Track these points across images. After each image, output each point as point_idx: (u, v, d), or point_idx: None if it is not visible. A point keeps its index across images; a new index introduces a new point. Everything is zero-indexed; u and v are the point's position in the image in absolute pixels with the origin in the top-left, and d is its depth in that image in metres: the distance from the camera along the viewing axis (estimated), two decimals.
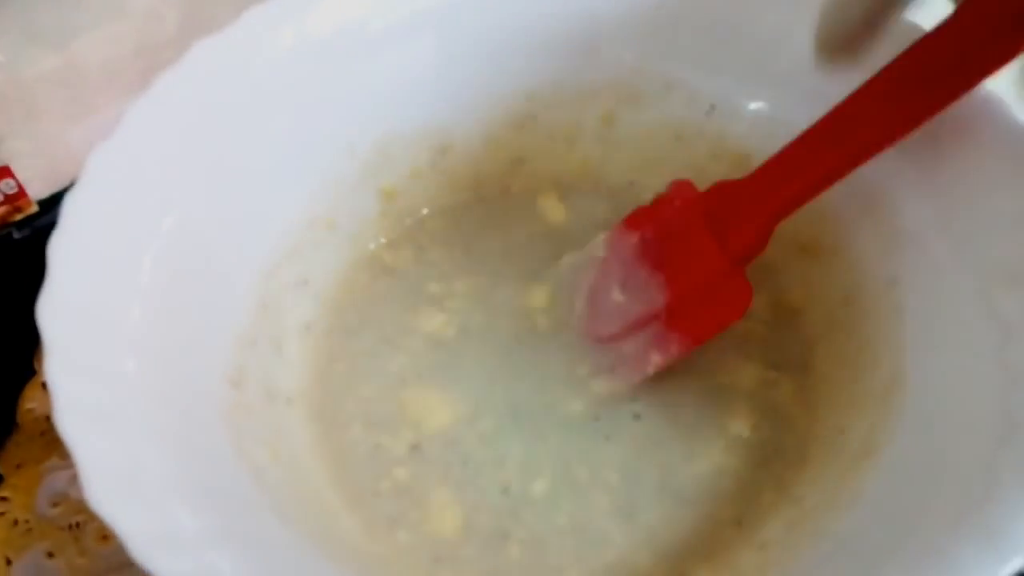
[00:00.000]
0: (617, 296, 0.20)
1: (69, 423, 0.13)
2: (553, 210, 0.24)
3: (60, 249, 0.15)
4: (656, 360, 0.19)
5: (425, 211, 0.24)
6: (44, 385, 0.23)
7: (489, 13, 0.22)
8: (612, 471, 0.19)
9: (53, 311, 0.14)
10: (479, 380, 0.21)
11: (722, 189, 0.19)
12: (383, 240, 0.24)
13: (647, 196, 0.21)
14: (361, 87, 0.22)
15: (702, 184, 0.20)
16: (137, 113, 0.18)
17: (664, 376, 0.20)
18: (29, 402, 0.23)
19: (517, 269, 0.23)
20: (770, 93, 0.22)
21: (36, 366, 0.24)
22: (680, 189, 0.20)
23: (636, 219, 0.21)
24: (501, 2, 0.22)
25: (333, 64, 0.21)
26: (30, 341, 0.24)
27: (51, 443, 0.22)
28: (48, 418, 0.23)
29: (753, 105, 0.22)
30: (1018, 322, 0.15)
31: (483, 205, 0.24)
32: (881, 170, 0.18)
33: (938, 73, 0.16)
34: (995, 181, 0.16)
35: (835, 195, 0.18)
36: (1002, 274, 0.16)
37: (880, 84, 0.17)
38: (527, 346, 0.21)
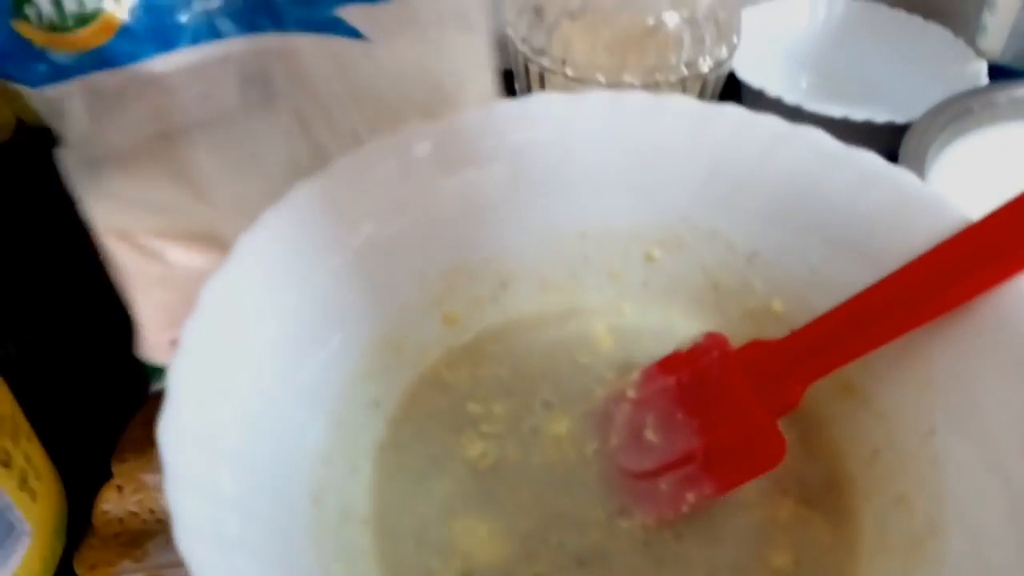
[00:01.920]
0: (651, 436, 0.22)
1: (185, 542, 0.15)
2: (603, 341, 0.26)
3: (178, 373, 0.17)
4: (691, 499, 0.21)
5: (485, 329, 0.26)
6: (120, 488, 0.25)
7: (557, 152, 0.25)
8: None
9: (171, 434, 0.16)
10: (522, 514, 0.22)
11: (761, 347, 0.21)
12: (443, 357, 0.25)
13: (684, 339, 0.23)
14: (431, 222, 0.24)
15: (736, 333, 0.22)
16: (244, 245, 0.20)
17: (702, 511, 0.21)
18: (105, 504, 0.24)
19: (555, 395, 0.24)
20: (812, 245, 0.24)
21: (113, 469, 0.25)
22: (715, 341, 0.22)
23: (671, 364, 0.22)
24: (568, 142, 0.25)
25: (409, 199, 0.23)
26: (108, 444, 0.26)
27: (125, 545, 0.23)
28: (122, 520, 0.24)
29: (793, 257, 0.24)
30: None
31: (537, 330, 0.26)
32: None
33: (976, 264, 0.18)
34: (1006, 346, 0.18)
35: None
36: (1008, 438, 0.17)
37: (920, 268, 0.19)
38: (560, 478, 0.22)
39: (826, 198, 0.23)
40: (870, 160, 0.22)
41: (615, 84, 0.30)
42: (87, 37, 0.20)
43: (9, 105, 0.35)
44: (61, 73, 0.21)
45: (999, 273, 0.19)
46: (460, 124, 0.24)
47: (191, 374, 0.17)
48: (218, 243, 0.25)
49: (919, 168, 0.28)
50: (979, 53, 0.36)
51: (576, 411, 0.24)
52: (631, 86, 0.30)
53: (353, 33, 0.24)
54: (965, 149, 0.30)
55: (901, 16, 0.39)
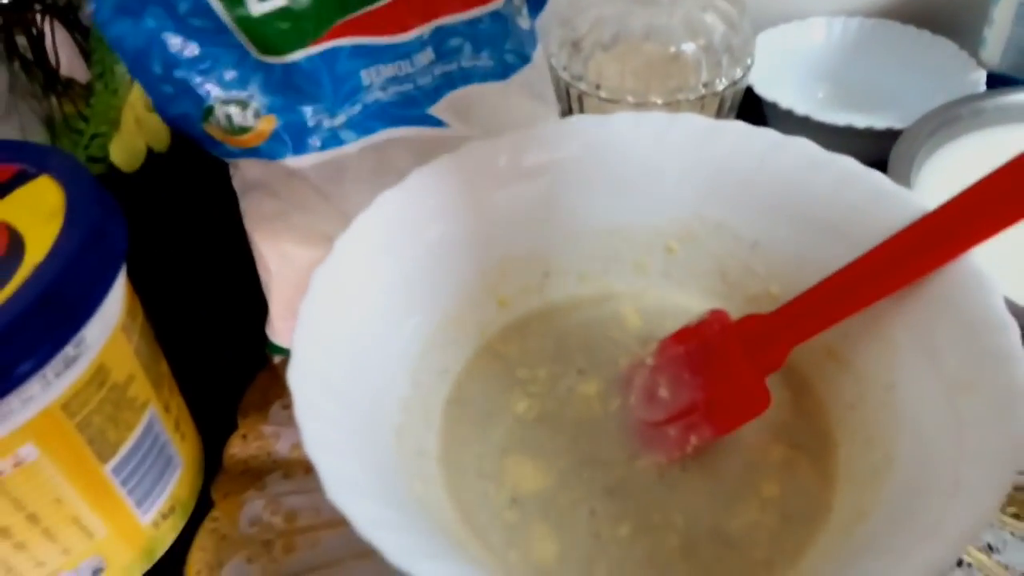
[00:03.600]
0: (663, 393, 0.27)
1: (312, 448, 0.20)
2: (632, 320, 0.31)
3: (300, 336, 0.23)
4: (694, 441, 0.25)
5: (532, 310, 0.31)
6: (244, 436, 0.31)
7: (590, 164, 0.30)
8: (678, 515, 0.25)
9: (296, 374, 0.22)
10: (559, 455, 0.27)
11: (752, 320, 0.26)
12: (498, 332, 0.31)
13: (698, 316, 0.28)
14: (490, 222, 0.30)
15: (740, 312, 0.27)
16: (342, 243, 0.26)
17: (709, 449, 0.26)
18: (232, 448, 0.30)
19: (588, 363, 0.29)
20: (802, 235, 0.28)
21: (238, 422, 0.31)
22: (717, 316, 0.27)
23: (682, 335, 0.27)
24: (599, 155, 0.30)
25: (471, 204, 0.29)
26: (234, 403, 0.32)
27: (249, 479, 0.29)
28: (246, 461, 0.30)
29: (785, 244, 0.28)
30: (969, 418, 0.21)
31: (579, 309, 0.31)
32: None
33: (930, 246, 0.23)
34: (953, 308, 0.23)
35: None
36: (960, 384, 0.22)
37: (884, 250, 0.23)
38: (590, 427, 0.27)
39: (813, 195, 0.27)
40: (848, 163, 0.27)
41: (642, 104, 0.35)
42: (248, 140, 0.29)
43: (143, 137, 0.43)
44: (233, 155, 0.30)
45: (948, 253, 0.23)
46: (513, 141, 0.29)
47: (308, 337, 0.23)
48: None
49: (907, 169, 0.32)
50: (980, 63, 0.39)
51: (605, 376, 0.29)
52: (656, 105, 0.35)
53: (438, 123, 0.32)
54: (953, 153, 0.34)
55: (912, 31, 0.42)
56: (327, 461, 0.20)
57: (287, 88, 0.29)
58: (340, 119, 0.31)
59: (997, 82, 0.38)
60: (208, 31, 0.27)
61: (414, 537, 0.20)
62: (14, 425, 0.20)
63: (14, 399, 0.20)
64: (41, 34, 0.40)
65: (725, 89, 0.35)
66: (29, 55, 0.41)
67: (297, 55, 0.29)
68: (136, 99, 0.43)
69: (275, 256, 0.32)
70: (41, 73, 0.41)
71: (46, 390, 0.21)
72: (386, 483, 0.22)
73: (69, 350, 0.21)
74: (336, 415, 0.22)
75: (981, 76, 0.38)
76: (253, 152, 0.30)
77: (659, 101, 0.35)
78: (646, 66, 0.35)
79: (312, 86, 0.29)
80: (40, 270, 0.20)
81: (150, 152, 0.44)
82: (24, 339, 0.19)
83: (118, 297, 0.23)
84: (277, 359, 0.33)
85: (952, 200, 0.23)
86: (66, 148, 0.42)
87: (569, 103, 0.37)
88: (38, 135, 0.42)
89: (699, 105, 0.35)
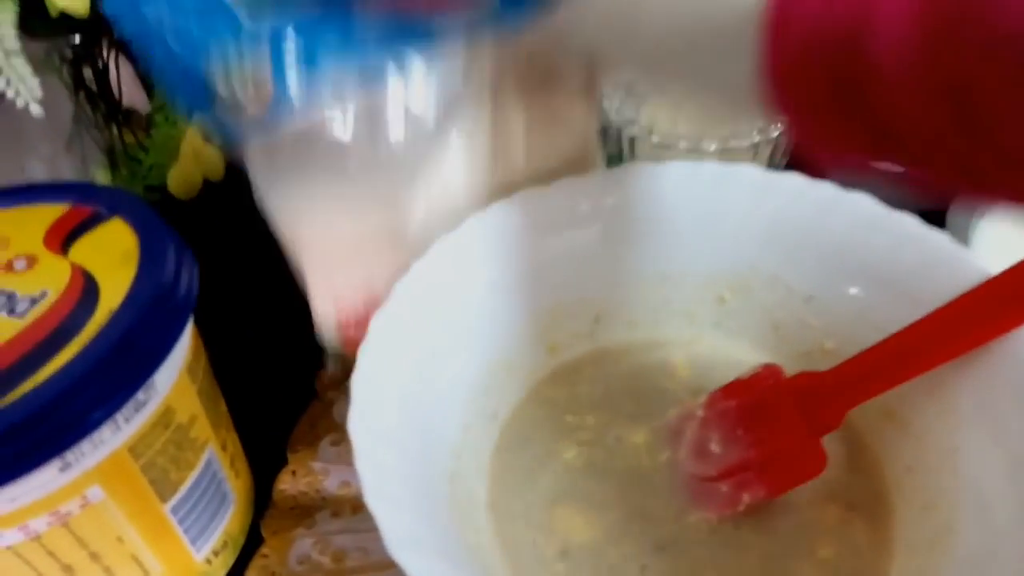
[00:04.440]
0: (714, 447, 0.26)
1: (371, 501, 0.21)
2: (682, 369, 0.31)
3: (358, 384, 0.23)
4: (746, 499, 0.25)
5: (582, 355, 0.32)
6: (293, 472, 0.31)
7: (644, 212, 0.30)
8: (731, 575, 0.24)
9: (356, 423, 0.22)
10: (609, 507, 0.26)
11: (808, 377, 0.25)
12: (547, 377, 0.31)
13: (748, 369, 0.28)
14: (542, 267, 0.30)
15: (792, 367, 0.26)
16: (400, 288, 0.26)
17: (761, 507, 0.25)
18: (282, 484, 0.31)
19: (638, 411, 0.29)
20: (860, 291, 0.28)
21: (288, 457, 0.32)
22: (771, 371, 0.26)
23: (733, 389, 0.27)
24: (651, 200, 0.30)
25: (524, 250, 0.29)
26: (283, 437, 0.33)
27: (299, 517, 0.30)
28: (295, 497, 0.31)
29: (841, 299, 0.28)
30: None
31: (629, 356, 0.31)
32: None
33: (992, 312, 0.23)
34: (1020, 379, 0.22)
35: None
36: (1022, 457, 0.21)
37: (945, 314, 0.23)
38: (639, 479, 0.27)
39: (871, 252, 0.27)
40: (909, 222, 0.27)
41: (695, 150, 0.35)
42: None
43: (200, 168, 0.44)
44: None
45: (1012, 320, 0.23)
46: (567, 188, 0.29)
47: (367, 384, 0.24)
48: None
49: (965, 225, 0.31)
50: None
51: (653, 425, 0.29)
52: (709, 152, 0.35)
53: None
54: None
55: None
56: (387, 514, 0.20)
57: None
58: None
59: None
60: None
61: None
62: (84, 468, 0.21)
63: (85, 444, 0.20)
64: (106, 66, 0.41)
65: (779, 135, 0.35)
66: (94, 87, 0.42)
67: None
68: (194, 130, 0.44)
69: (315, 253, 0.30)
70: (104, 104, 0.42)
71: (115, 434, 0.21)
72: (441, 534, 0.22)
73: (139, 395, 0.21)
74: (393, 464, 0.22)
75: None
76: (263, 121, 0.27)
77: (712, 147, 0.35)
78: (700, 111, 0.35)
79: None
80: (115, 318, 0.21)
81: (205, 181, 0.45)
82: (98, 387, 0.20)
83: (186, 340, 0.24)
84: (328, 394, 0.34)
85: (1016, 265, 0.22)
86: (125, 178, 0.43)
87: (620, 146, 0.38)
88: (99, 165, 0.44)
89: (752, 152, 0.35)
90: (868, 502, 0.26)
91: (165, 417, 0.23)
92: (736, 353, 0.31)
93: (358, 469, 0.21)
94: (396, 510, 0.21)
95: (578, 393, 0.30)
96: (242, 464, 0.30)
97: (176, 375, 0.23)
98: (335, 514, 0.29)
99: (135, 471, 0.23)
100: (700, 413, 0.28)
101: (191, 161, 0.44)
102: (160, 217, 0.26)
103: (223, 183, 0.46)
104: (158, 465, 0.23)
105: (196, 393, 0.25)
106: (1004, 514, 0.21)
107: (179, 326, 0.22)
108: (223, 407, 0.28)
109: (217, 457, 0.26)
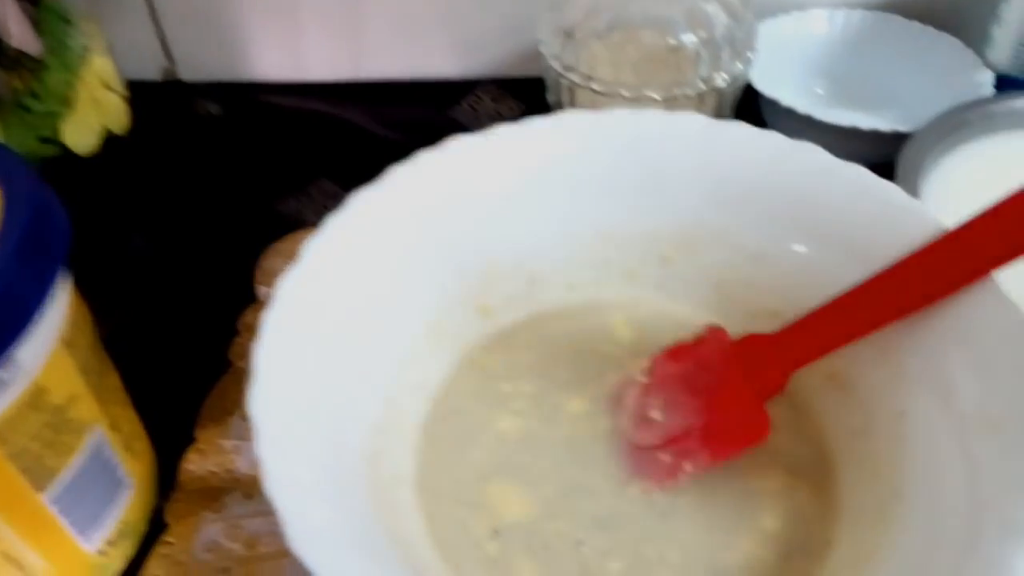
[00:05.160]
0: (656, 414, 0.25)
1: (274, 490, 0.18)
2: (623, 333, 0.29)
3: (261, 356, 0.21)
4: (688, 468, 0.24)
5: (517, 319, 0.29)
6: (201, 451, 0.29)
7: (582, 164, 0.28)
8: (674, 550, 0.23)
9: (259, 402, 0.20)
10: (545, 481, 0.25)
11: (753, 340, 0.24)
12: (480, 344, 0.29)
13: (693, 331, 0.26)
14: (471, 224, 0.27)
15: (738, 328, 0.25)
16: (312, 248, 0.24)
17: (703, 476, 0.24)
18: (189, 464, 0.28)
19: (577, 378, 0.27)
20: (808, 248, 0.26)
21: (195, 435, 0.29)
22: (715, 334, 0.25)
23: (676, 353, 0.26)
24: (591, 155, 0.28)
25: (452, 205, 0.27)
26: (190, 413, 0.30)
27: (206, 499, 0.27)
28: (204, 478, 0.28)
29: (789, 257, 0.27)
30: (984, 461, 0.19)
31: (567, 320, 0.29)
32: None
33: (945, 269, 0.21)
34: (971, 336, 0.21)
35: None
36: (975, 422, 0.20)
37: (895, 273, 0.22)
38: (577, 450, 0.25)
39: (821, 206, 0.26)
40: (860, 174, 0.25)
41: (637, 98, 0.33)
42: None
43: (100, 117, 0.40)
44: None
45: (967, 275, 0.21)
46: (495, 137, 0.27)
47: (271, 355, 0.21)
48: None
49: (915, 177, 0.30)
50: (986, 63, 0.38)
51: (593, 392, 0.27)
52: (652, 100, 0.33)
53: None
54: (962, 159, 0.32)
55: (915, 27, 0.40)
56: (290, 505, 0.18)
57: None
58: None
59: (1006, 84, 0.37)
60: None
61: None
62: None
63: None
64: None
65: (726, 85, 0.33)
66: None
67: None
68: (92, 75, 0.40)
69: None
70: None
71: None
72: (356, 522, 0.20)
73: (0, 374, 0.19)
74: (302, 447, 0.20)
75: (987, 77, 0.37)
76: None
77: (656, 96, 0.33)
78: (643, 58, 0.33)
79: None
80: None
81: (110, 135, 0.41)
82: None
83: (59, 309, 0.21)
84: (241, 364, 0.31)
85: (974, 218, 0.21)
86: (15, 128, 0.39)
87: (559, 94, 0.35)
88: None
89: (698, 101, 0.33)
90: (813, 468, 0.25)
91: (36, 398, 0.20)
92: (680, 315, 0.29)
93: (257, 452, 0.19)
94: (301, 498, 0.18)
95: (514, 360, 0.28)
96: (141, 444, 0.27)
97: (48, 350, 0.20)
98: (247, 496, 0.27)
99: (1, 460, 0.20)
100: (641, 378, 0.26)
101: (89, 110, 0.39)
102: (29, 167, 0.22)
103: (131, 139, 0.42)
104: (31, 452, 0.20)
105: (77, 370, 0.22)
106: (952, 479, 0.20)
107: (42, 293, 0.19)
108: (114, 382, 0.25)
109: (107, 439, 0.24)
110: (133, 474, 0.25)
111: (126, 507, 0.25)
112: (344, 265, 0.24)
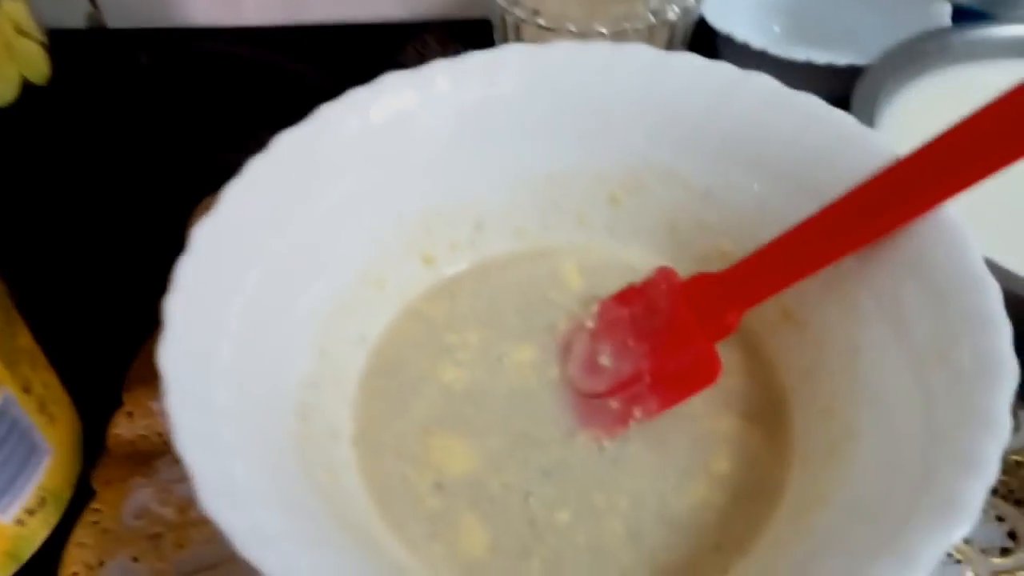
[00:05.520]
0: (604, 360, 0.24)
1: (183, 446, 0.17)
2: (573, 279, 0.28)
3: (173, 306, 0.19)
4: (637, 415, 0.23)
5: (463, 267, 0.28)
6: (130, 414, 0.27)
7: (524, 101, 0.26)
8: (623, 497, 0.22)
9: (169, 357, 0.18)
10: (490, 432, 0.24)
11: (702, 280, 0.23)
12: (423, 292, 0.27)
13: (643, 274, 0.25)
14: (409, 166, 0.26)
15: (691, 270, 0.24)
16: (231, 193, 0.22)
17: (654, 421, 0.23)
18: (116, 428, 0.27)
19: (525, 326, 0.26)
20: (760, 183, 0.25)
21: (123, 397, 0.28)
22: (664, 275, 0.24)
23: (625, 297, 0.24)
24: (534, 92, 0.26)
25: (387, 147, 0.25)
26: (118, 376, 0.28)
27: (136, 464, 0.26)
28: (132, 442, 0.27)
29: (741, 193, 0.25)
30: (939, 393, 0.18)
31: (515, 266, 0.28)
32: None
33: (897, 198, 0.20)
34: (924, 268, 0.20)
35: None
36: (930, 352, 0.19)
37: (845, 204, 0.21)
38: (524, 400, 0.24)
39: (772, 138, 0.24)
40: (812, 103, 0.24)
41: (585, 33, 0.31)
42: None
43: (14, 66, 0.37)
44: None
45: (919, 205, 0.20)
46: (432, 74, 0.25)
47: (186, 306, 0.20)
48: None
49: (870, 109, 0.29)
50: None
51: (541, 341, 0.26)
52: (600, 35, 0.31)
53: None
54: (919, 91, 0.31)
55: None
56: (202, 461, 0.17)
57: None
58: None
59: (963, 16, 0.36)
60: None
61: (307, 550, 0.16)
62: None
63: None
64: None
65: (677, 18, 0.32)
66: None
67: None
68: (4, 20, 0.37)
69: None
70: None
71: None
72: (280, 481, 0.19)
73: None
74: (217, 402, 0.19)
75: (945, 9, 0.36)
76: None
77: (604, 30, 0.31)
78: None
79: None
80: None
81: (27, 85, 0.38)
82: None
83: None
84: None
85: (925, 146, 0.20)
86: None
87: (505, 31, 0.33)
88: None
89: (647, 35, 0.32)
90: (765, 410, 0.24)
91: None
92: (631, 259, 0.28)
93: (165, 406, 0.17)
94: (215, 455, 0.17)
95: (459, 309, 0.27)
96: (61, 407, 0.25)
97: None
98: (179, 459, 0.25)
99: None
100: (590, 324, 0.25)
101: (2, 57, 0.37)
102: None
103: (53, 89, 0.40)
104: None
105: None
106: (906, 416, 0.20)
107: None
108: (26, 342, 0.24)
109: (17, 402, 0.22)
110: (52, 439, 0.24)
111: (45, 474, 0.24)
112: (267, 211, 0.22)
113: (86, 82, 0.41)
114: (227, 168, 0.37)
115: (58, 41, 0.42)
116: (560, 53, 0.26)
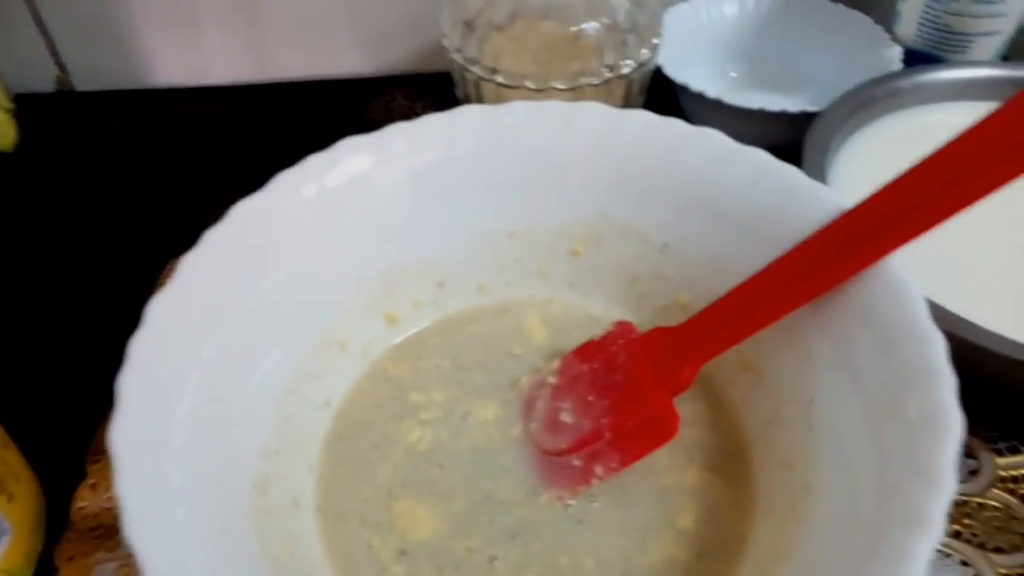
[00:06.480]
0: (565, 417, 0.24)
1: (134, 533, 0.17)
2: (536, 333, 0.28)
3: (126, 384, 0.19)
4: (599, 472, 0.23)
5: (426, 325, 0.28)
6: (94, 486, 0.27)
7: (482, 160, 0.26)
8: (588, 557, 0.22)
9: (121, 437, 0.18)
10: (454, 495, 0.24)
11: (659, 335, 0.23)
12: (387, 352, 0.28)
13: (606, 326, 0.25)
14: (368, 229, 0.26)
15: (650, 321, 0.24)
16: (187, 265, 0.22)
17: (620, 475, 0.23)
18: (81, 501, 0.26)
19: (489, 382, 0.26)
20: (716, 234, 0.26)
21: (87, 469, 0.27)
22: (623, 329, 0.24)
23: (585, 352, 0.25)
24: (491, 150, 0.26)
25: (346, 211, 0.25)
26: (82, 447, 0.28)
27: (100, 539, 0.25)
28: (97, 515, 0.26)
29: (697, 246, 0.26)
30: (890, 447, 0.19)
31: (479, 322, 0.28)
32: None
33: (846, 250, 0.20)
34: (872, 318, 0.20)
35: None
36: (881, 405, 0.19)
37: (794, 258, 0.21)
38: (487, 460, 0.24)
39: (725, 190, 0.25)
40: (760, 156, 0.25)
41: (543, 89, 0.32)
42: None
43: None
44: None
45: (867, 257, 0.21)
46: (389, 137, 0.26)
47: (139, 383, 0.19)
48: None
49: (822, 156, 0.30)
50: (895, 39, 0.37)
51: (505, 397, 0.26)
52: (558, 91, 0.32)
53: None
54: (870, 136, 0.32)
55: (826, 5, 0.40)
56: (152, 547, 0.17)
57: None
58: None
59: (913, 59, 0.37)
60: None
61: None
62: None
63: None
64: None
65: (632, 72, 0.32)
66: None
67: None
68: None
69: None
70: None
71: None
72: (236, 560, 0.18)
73: None
74: (175, 482, 0.19)
75: (896, 52, 0.37)
76: None
77: (561, 86, 0.32)
78: (546, 48, 0.32)
79: None
80: None
81: None
82: None
83: None
84: None
85: (870, 198, 0.21)
86: None
87: (465, 89, 0.34)
88: None
89: (605, 90, 0.32)
90: (728, 462, 0.24)
91: None
92: (594, 311, 0.28)
93: (116, 490, 0.17)
94: (167, 540, 0.17)
95: (423, 366, 0.27)
96: (22, 485, 0.25)
97: None
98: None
99: None
100: (552, 380, 0.26)
101: None
102: None
103: (20, 155, 0.40)
104: None
105: None
106: (860, 468, 0.20)
107: None
108: None
109: None
110: (10, 519, 0.24)
111: (2, 555, 0.23)
112: (223, 282, 0.22)
113: (55, 146, 0.41)
114: (197, 230, 0.37)
115: (27, 105, 0.42)
116: (516, 114, 0.26)
